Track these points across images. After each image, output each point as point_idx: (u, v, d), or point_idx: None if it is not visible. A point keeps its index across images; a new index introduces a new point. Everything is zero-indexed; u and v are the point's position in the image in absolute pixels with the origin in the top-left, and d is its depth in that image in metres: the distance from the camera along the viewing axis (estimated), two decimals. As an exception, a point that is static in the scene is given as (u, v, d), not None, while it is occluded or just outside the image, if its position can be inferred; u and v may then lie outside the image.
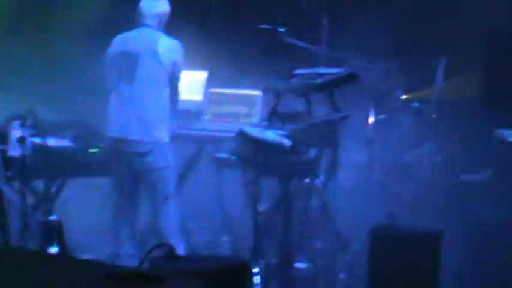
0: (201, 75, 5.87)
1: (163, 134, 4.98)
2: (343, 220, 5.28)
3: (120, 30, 5.16)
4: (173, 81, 5.02)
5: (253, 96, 5.63)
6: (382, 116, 6.10)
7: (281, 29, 5.21)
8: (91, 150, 5.01)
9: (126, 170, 5.01)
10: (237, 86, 5.80)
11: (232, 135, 4.89)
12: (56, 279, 1.62)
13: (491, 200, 5.04)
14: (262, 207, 5.12)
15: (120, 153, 4.97)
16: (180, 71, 5.05)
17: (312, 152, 5.10)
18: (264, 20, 5.42)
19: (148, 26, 5.03)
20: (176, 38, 5.06)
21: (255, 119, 5.53)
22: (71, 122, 5.07)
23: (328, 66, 5.23)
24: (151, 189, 5.05)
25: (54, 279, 1.61)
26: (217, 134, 5.39)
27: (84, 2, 6.67)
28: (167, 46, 4.98)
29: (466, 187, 5.44)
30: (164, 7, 5.08)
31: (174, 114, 5.12)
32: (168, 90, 4.99)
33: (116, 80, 5.00)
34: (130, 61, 4.95)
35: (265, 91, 5.44)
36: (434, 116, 5.89)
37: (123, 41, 5.08)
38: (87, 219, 5.57)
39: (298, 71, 5.20)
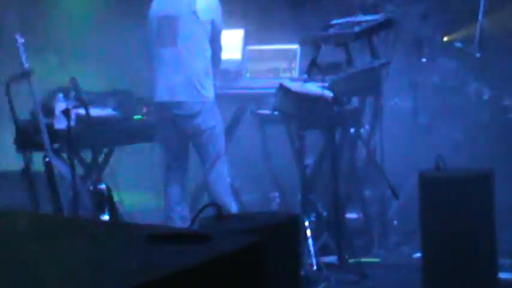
0: (238, 34, 5.85)
1: (209, 94, 5.00)
2: (391, 167, 5.24)
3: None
4: (215, 40, 5.03)
5: (291, 50, 5.59)
6: (424, 60, 6.00)
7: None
8: (135, 117, 5.05)
9: (174, 134, 5.05)
10: (274, 42, 5.76)
11: (273, 91, 4.87)
12: (99, 242, 1.65)
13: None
14: (309, 160, 5.12)
15: (168, 117, 5.00)
16: (220, 29, 5.05)
17: (355, 102, 5.06)
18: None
19: None
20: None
21: (295, 73, 5.50)
22: (113, 91, 5.11)
23: (364, 13, 5.15)
24: (202, 150, 5.07)
25: (97, 243, 1.64)
26: (259, 91, 5.38)
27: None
28: (205, 5, 4.99)
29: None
30: None
31: (217, 72, 5.14)
32: (209, 49, 5.00)
33: (158, 44, 5.03)
34: (170, 24, 4.97)
35: (303, 44, 5.40)
36: (478, 54, 5.77)
37: (161, 4, 5.10)
38: (136, 184, 5.64)
39: (335, 21, 5.13)
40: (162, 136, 5.10)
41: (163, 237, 1.60)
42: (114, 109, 4.94)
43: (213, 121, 5.04)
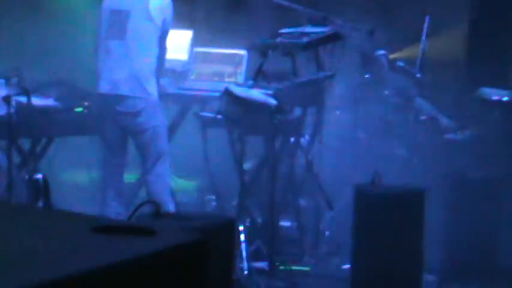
0: (187, 35, 5.85)
1: (153, 91, 4.98)
2: (328, 179, 5.32)
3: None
4: (162, 39, 5.02)
5: (239, 55, 5.62)
6: (368, 75, 6.12)
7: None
8: (76, 109, 5.00)
9: (116, 130, 5.00)
10: (222, 45, 5.78)
11: (218, 94, 4.89)
12: (43, 230, 1.64)
13: (474, 158, 5.09)
14: (247, 166, 5.15)
15: (109, 112, 4.96)
16: (169, 29, 5.05)
17: (297, 111, 5.12)
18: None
19: None
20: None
21: (240, 78, 5.53)
22: (56, 81, 5.05)
23: (314, 25, 5.22)
24: (143, 148, 5.04)
25: (41, 231, 1.63)
26: (203, 93, 5.39)
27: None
28: (158, 4, 4.98)
29: (450, 146, 5.48)
30: None
31: (161, 72, 5.13)
32: (157, 48, 4.99)
33: (107, 36, 4.99)
34: (121, 18, 4.94)
35: (250, 50, 5.44)
36: (419, 75, 5.91)
37: None
38: (73, 177, 5.58)
39: (284, 30, 5.19)
40: (103, 131, 5.06)
41: (108, 229, 1.61)
42: (56, 99, 4.88)
43: (156, 120, 5.02)
